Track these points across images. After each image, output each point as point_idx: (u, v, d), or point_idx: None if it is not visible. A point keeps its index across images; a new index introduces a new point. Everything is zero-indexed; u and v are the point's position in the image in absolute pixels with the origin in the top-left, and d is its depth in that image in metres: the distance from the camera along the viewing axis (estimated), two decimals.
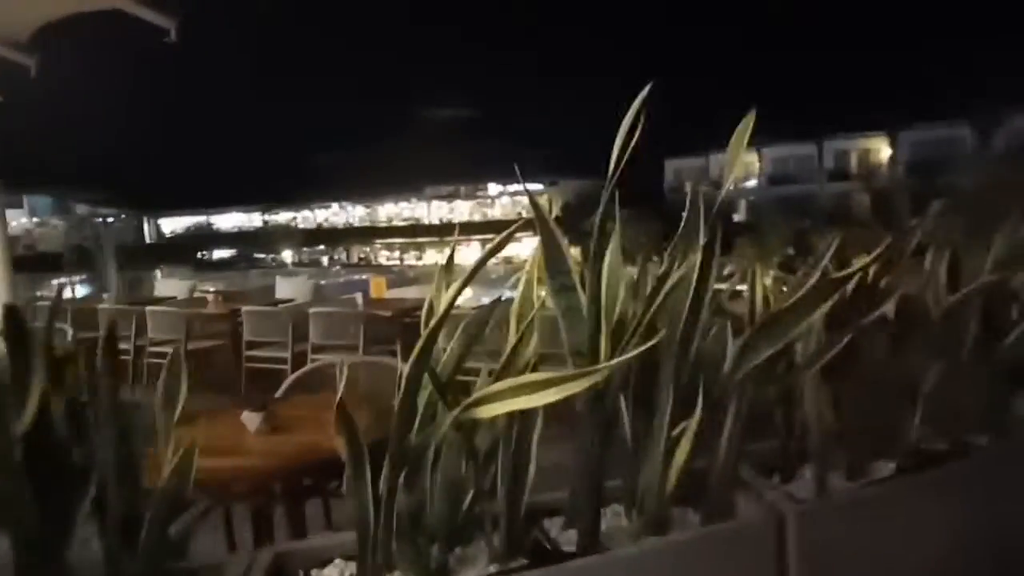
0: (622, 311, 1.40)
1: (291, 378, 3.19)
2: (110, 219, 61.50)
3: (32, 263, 29.84)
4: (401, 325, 5.76)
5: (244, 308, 6.06)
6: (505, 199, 63.23)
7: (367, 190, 62.01)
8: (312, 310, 5.59)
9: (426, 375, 1.24)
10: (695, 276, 1.38)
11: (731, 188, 1.49)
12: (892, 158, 37.40)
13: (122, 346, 6.56)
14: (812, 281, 1.55)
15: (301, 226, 67.50)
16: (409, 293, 7.61)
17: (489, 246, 1.16)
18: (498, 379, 1.25)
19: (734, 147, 1.41)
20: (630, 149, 1.25)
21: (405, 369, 1.18)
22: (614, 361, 1.24)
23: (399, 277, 14.85)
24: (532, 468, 1.41)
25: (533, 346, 1.34)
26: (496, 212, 62.85)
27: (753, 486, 1.78)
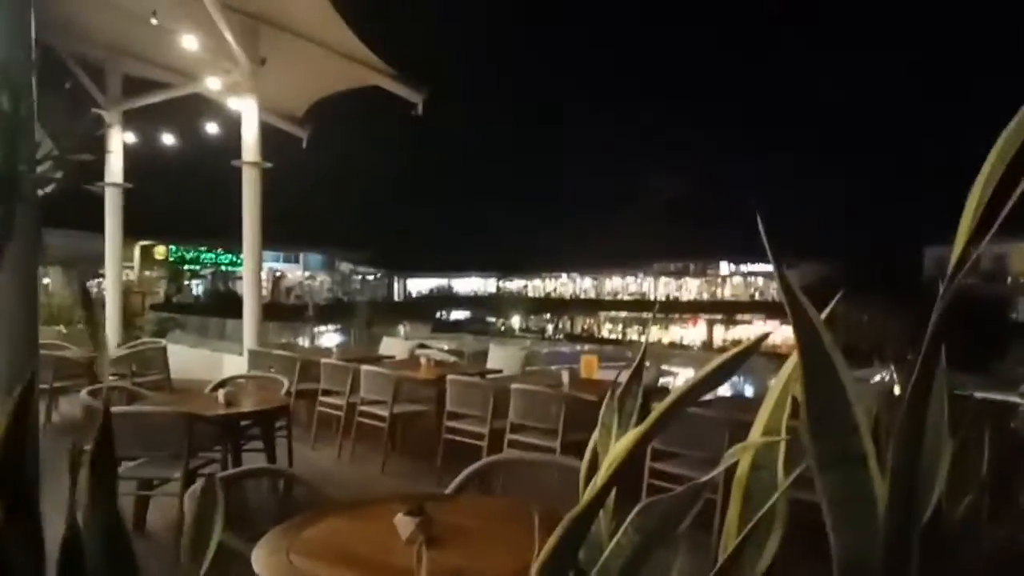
0: (938, 501, 0.75)
1: (466, 472, 2.76)
2: (368, 277, 68.86)
3: (297, 312, 33.83)
4: None
5: (449, 376, 5.89)
6: (737, 279, 60.45)
7: (595, 263, 62.74)
8: (514, 386, 5.26)
9: None
10: None
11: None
12: None
13: (335, 401, 6.71)
14: None
15: (531, 294, 70.02)
16: (623, 376, 7.03)
17: (697, 376, 0.60)
18: None
19: None
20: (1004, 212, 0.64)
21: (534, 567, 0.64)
22: None
23: (617, 353, 14.30)
24: None
25: (772, 552, 0.73)
26: (726, 292, 60.26)
27: None
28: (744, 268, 60.86)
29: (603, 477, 0.67)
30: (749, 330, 53.55)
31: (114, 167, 10.76)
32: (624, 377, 0.96)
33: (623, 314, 61.47)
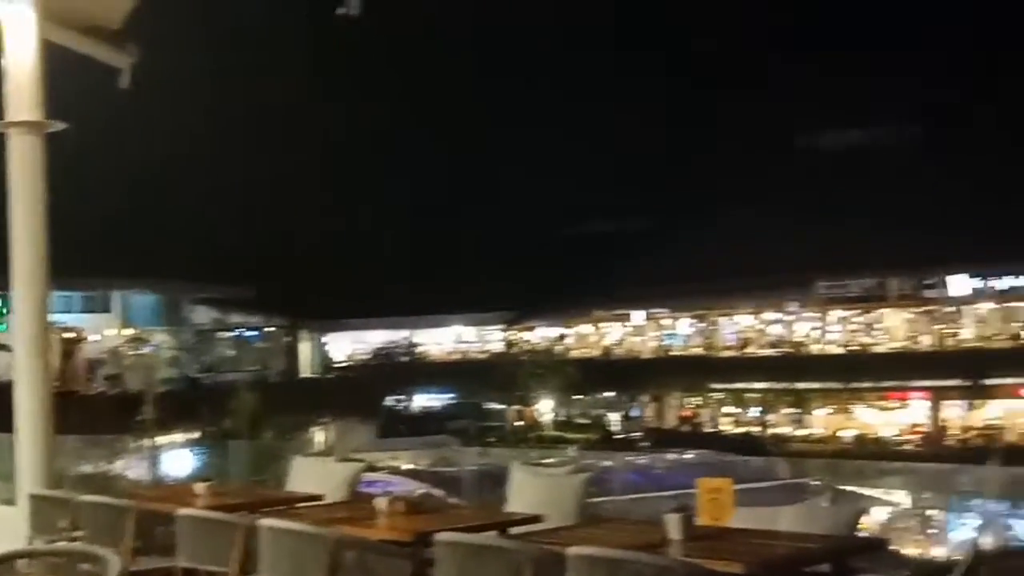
0: None
1: None
2: (249, 334, 68.21)
3: (117, 409, 33.94)
4: None
5: (439, 535, 5.88)
6: (984, 307, 60.53)
7: (701, 289, 62.81)
8: (572, 551, 5.20)
9: None
10: None
11: None
12: None
13: None
14: None
15: (575, 353, 69.68)
16: (786, 518, 6.88)
17: None
18: None
19: None
20: None
21: None
22: None
23: (763, 469, 14.26)
24: None
25: None
26: (967, 332, 60.15)
27: None
28: (997, 284, 60.85)
29: None
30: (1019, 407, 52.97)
31: None
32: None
33: (759, 385, 61.37)
